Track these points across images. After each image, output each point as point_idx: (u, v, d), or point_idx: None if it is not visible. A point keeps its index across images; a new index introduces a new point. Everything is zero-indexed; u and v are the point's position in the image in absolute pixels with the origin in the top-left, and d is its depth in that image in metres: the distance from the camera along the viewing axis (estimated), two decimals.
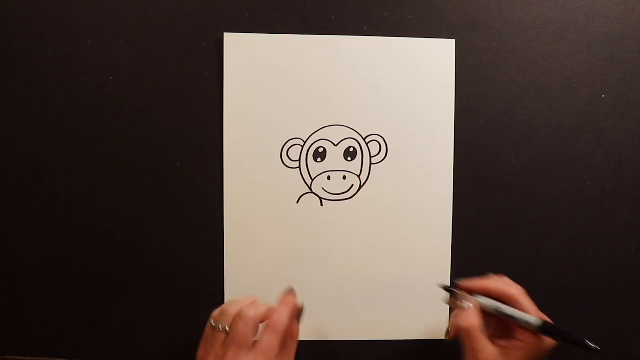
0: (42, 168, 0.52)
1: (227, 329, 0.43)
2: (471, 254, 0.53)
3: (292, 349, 0.46)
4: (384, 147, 0.53)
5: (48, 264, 0.52)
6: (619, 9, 0.53)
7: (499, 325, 0.46)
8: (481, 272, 0.54)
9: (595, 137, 0.54)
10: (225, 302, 0.52)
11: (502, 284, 0.46)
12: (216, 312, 0.45)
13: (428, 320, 0.54)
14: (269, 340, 0.42)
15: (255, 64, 0.52)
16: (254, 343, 0.42)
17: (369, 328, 0.53)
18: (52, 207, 0.52)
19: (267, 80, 0.52)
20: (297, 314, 0.47)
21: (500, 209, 0.54)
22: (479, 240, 0.54)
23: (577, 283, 0.54)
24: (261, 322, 0.44)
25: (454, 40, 0.52)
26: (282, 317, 0.44)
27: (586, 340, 0.42)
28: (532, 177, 0.54)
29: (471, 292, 0.47)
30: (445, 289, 0.48)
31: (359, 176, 0.53)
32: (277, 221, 0.52)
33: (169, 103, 0.52)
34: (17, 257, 0.52)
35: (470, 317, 0.44)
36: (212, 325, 0.44)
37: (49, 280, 0.52)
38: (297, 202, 0.52)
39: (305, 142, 0.52)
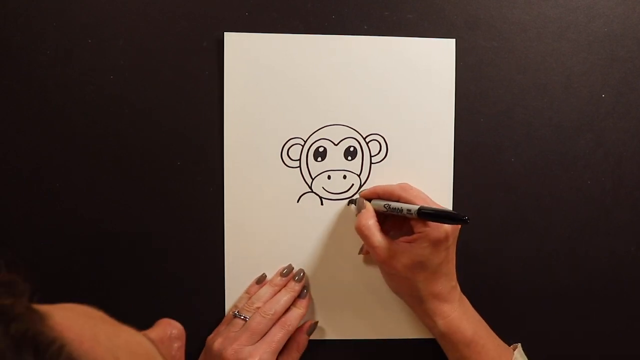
0: (42, 168, 0.52)
1: (247, 318, 0.48)
2: (471, 254, 0.53)
3: (295, 359, 0.50)
4: (384, 146, 0.53)
5: (48, 264, 0.52)
6: (619, 8, 0.53)
7: (402, 226, 0.50)
8: (481, 272, 0.54)
9: (596, 137, 0.54)
10: (224, 301, 0.52)
11: (388, 186, 0.50)
12: (241, 301, 0.51)
13: None
14: (277, 334, 0.48)
15: (255, 64, 0.52)
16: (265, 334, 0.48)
17: (369, 327, 0.53)
18: (52, 207, 0.52)
19: (267, 79, 0.52)
20: (309, 328, 0.51)
21: (500, 209, 0.54)
22: (479, 240, 0.53)
23: (577, 283, 0.54)
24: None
25: (454, 40, 0.52)
26: (294, 317, 0.49)
27: (453, 211, 0.46)
28: (532, 177, 0.54)
29: (369, 199, 0.50)
30: (349, 202, 0.52)
31: (359, 175, 0.53)
32: (278, 220, 0.52)
33: (169, 103, 0.52)
34: (17, 257, 0.52)
35: (362, 218, 0.48)
36: (234, 313, 0.49)
37: (49, 280, 0.52)
38: (298, 201, 0.52)
39: (305, 142, 0.52)
